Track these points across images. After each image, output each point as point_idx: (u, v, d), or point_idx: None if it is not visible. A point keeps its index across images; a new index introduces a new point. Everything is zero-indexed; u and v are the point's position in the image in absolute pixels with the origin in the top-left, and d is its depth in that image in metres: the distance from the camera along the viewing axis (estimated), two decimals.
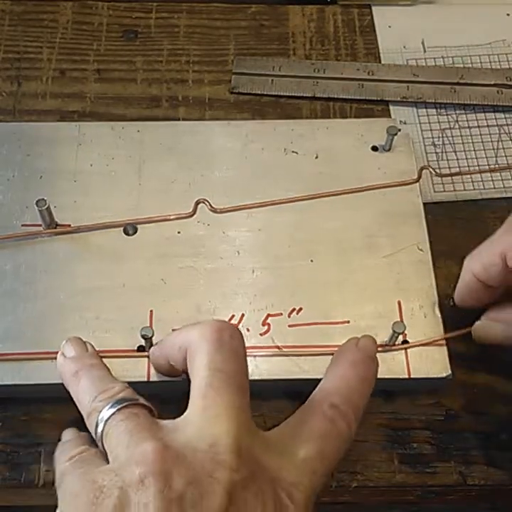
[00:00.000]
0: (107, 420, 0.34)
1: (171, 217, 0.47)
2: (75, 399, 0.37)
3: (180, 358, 0.37)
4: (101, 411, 0.35)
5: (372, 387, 0.37)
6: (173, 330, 0.42)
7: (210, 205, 0.48)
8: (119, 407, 0.34)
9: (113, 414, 0.34)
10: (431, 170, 0.50)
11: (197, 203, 0.48)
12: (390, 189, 0.48)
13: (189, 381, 0.35)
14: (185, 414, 0.34)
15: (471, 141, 0.54)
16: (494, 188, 0.52)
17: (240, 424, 0.32)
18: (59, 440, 0.39)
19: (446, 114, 0.55)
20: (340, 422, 0.35)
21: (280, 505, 0.31)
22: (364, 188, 0.48)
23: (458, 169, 0.52)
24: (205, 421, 0.32)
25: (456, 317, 0.44)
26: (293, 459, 0.33)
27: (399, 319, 0.44)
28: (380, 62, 0.57)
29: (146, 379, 0.41)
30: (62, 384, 0.39)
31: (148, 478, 0.30)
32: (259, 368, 0.42)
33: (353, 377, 0.36)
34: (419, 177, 0.49)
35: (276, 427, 0.35)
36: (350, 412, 0.35)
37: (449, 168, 0.52)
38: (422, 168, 0.49)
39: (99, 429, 0.34)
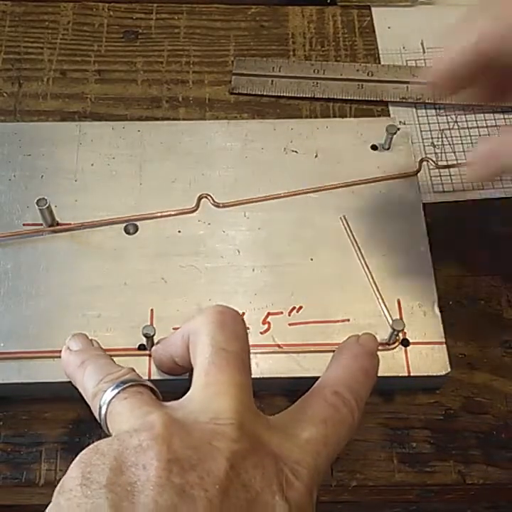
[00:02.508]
0: (110, 400, 0.34)
1: (174, 212, 0.47)
2: (80, 388, 0.37)
3: (183, 349, 0.37)
4: (105, 392, 0.34)
5: (373, 380, 0.37)
6: (173, 329, 0.42)
7: (213, 199, 0.48)
8: (124, 386, 0.34)
9: (117, 394, 0.34)
10: (430, 162, 0.50)
11: (200, 198, 0.48)
12: (389, 188, 0.49)
13: (191, 379, 0.35)
14: (188, 392, 0.34)
15: (470, 141, 0.54)
16: (494, 188, 0.52)
17: (242, 402, 0.32)
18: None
19: (446, 115, 0.55)
20: (343, 408, 0.35)
21: (285, 481, 0.31)
22: (364, 180, 0.49)
23: (457, 170, 0.52)
24: (208, 397, 0.32)
25: (456, 315, 0.44)
26: (296, 440, 0.33)
27: (398, 317, 0.44)
28: (379, 62, 0.58)
29: (147, 377, 0.42)
30: (63, 383, 0.39)
31: (147, 441, 0.30)
32: (260, 366, 0.42)
33: (355, 367, 0.37)
34: (419, 170, 0.49)
35: (278, 414, 0.35)
36: (352, 400, 0.35)
37: (448, 168, 0.52)
38: (421, 160, 0.50)
39: (103, 411, 0.34)
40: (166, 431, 0.30)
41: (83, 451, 0.31)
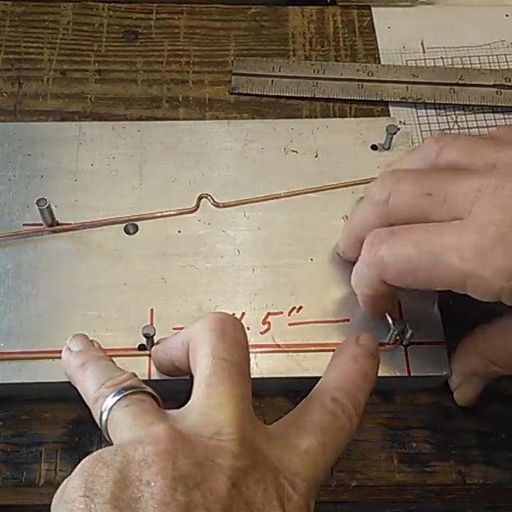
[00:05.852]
0: (111, 407, 0.34)
1: (174, 212, 0.47)
2: (80, 390, 0.37)
3: (183, 355, 0.37)
4: (106, 398, 0.34)
5: (373, 382, 0.37)
6: (173, 329, 0.42)
7: (213, 199, 0.48)
8: (125, 393, 0.34)
9: (118, 400, 0.34)
10: None
11: (200, 198, 0.48)
12: None
13: (192, 382, 0.35)
14: (189, 402, 0.34)
15: None
16: None
17: (243, 414, 0.32)
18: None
19: (446, 115, 0.55)
20: (342, 415, 0.35)
21: (284, 495, 0.31)
22: (364, 180, 0.48)
23: None
24: (209, 409, 0.32)
25: (456, 316, 0.44)
26: (295, 451, 0.33)
27: (398, 317, 0.44)
28: (379, 63, 0.58)
29: (147, 378, 0.41)
30: (63, 383, 0.39)
31: (152, 457, 0.30)
32: (260, 366, 0.42)
33: (354, 371, 0.36)
34: None
35: (277, 421, 0.35)
36: (351, 406, 0.35)
37: None
38: None
39: (104, 417, 0.34)
40: (171, 446, 0.30)
41: (86, 459, 0.31)
